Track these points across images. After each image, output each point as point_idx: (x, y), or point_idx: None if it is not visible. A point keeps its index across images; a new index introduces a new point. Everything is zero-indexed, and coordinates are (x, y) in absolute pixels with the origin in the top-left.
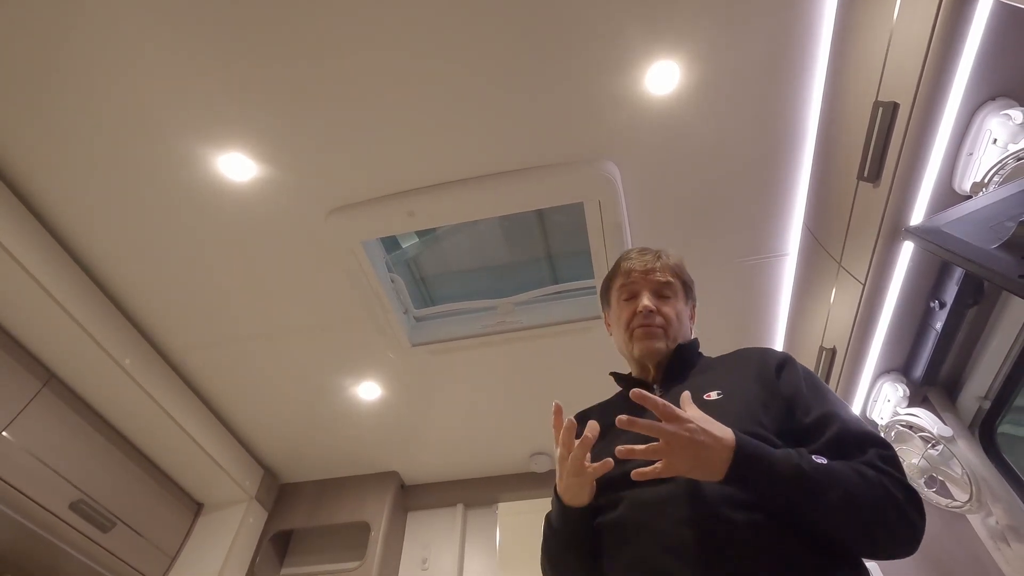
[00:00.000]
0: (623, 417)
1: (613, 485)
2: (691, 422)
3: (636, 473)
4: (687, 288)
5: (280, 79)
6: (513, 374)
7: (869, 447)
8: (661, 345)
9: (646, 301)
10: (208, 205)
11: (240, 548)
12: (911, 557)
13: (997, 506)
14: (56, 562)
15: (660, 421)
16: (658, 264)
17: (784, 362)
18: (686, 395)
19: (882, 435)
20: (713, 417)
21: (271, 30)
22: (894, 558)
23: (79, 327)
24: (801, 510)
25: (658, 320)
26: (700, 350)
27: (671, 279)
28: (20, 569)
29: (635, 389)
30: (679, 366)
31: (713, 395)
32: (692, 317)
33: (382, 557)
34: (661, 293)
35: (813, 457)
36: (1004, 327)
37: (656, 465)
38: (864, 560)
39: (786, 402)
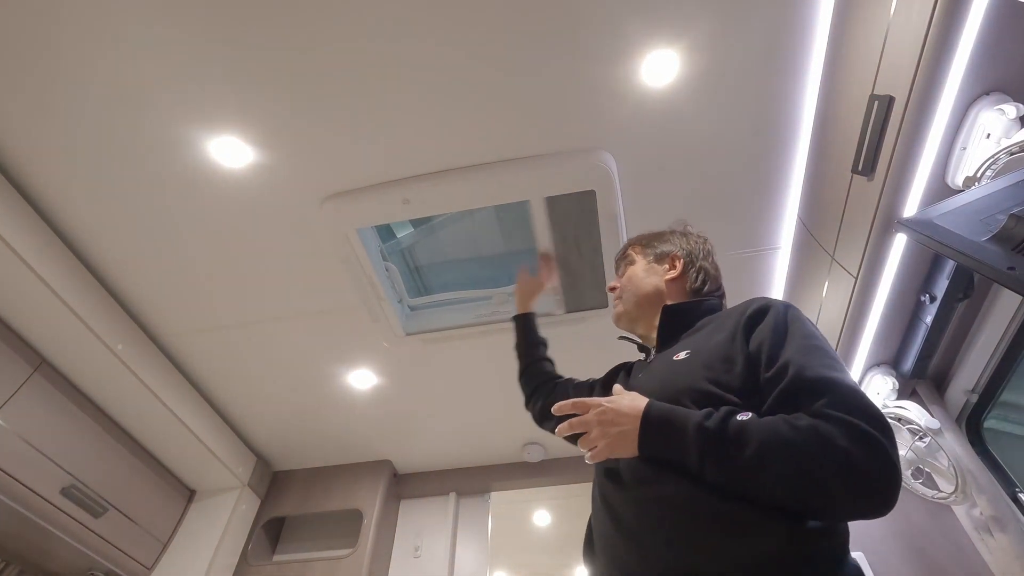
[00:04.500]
0: (560, 427)
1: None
2: (600, 406)
3: (588, 458)
4: (648, 246)
5: (275, 61)
6: (507, 364)
7: (823, 394)
8: (619, 310)
9: (610, 283)
10: (202, 190)
11: (232, 535)
12: (896, 547)
13: (981, 498)
14: (47, 547)
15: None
16: (620, 253)
17: (760, 314)
18: (617, 387)
19: (843, 379)
20: (670, 376)
21: (268, 9)
22: (859, 515)
23: (71, 312)
24: (714, 469)
25: (616, 292)
26: (717, 302)
27: (626, 252)
28: (11, 554)
29: (555, 406)
30: (671, 329)
31: (682, 355)
32: (673, 267)
33: (374, 544)
34: (620, 270)
35: (739, 415)
36: (993, 322)
37: (587, 454)
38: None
39: (752, 359)
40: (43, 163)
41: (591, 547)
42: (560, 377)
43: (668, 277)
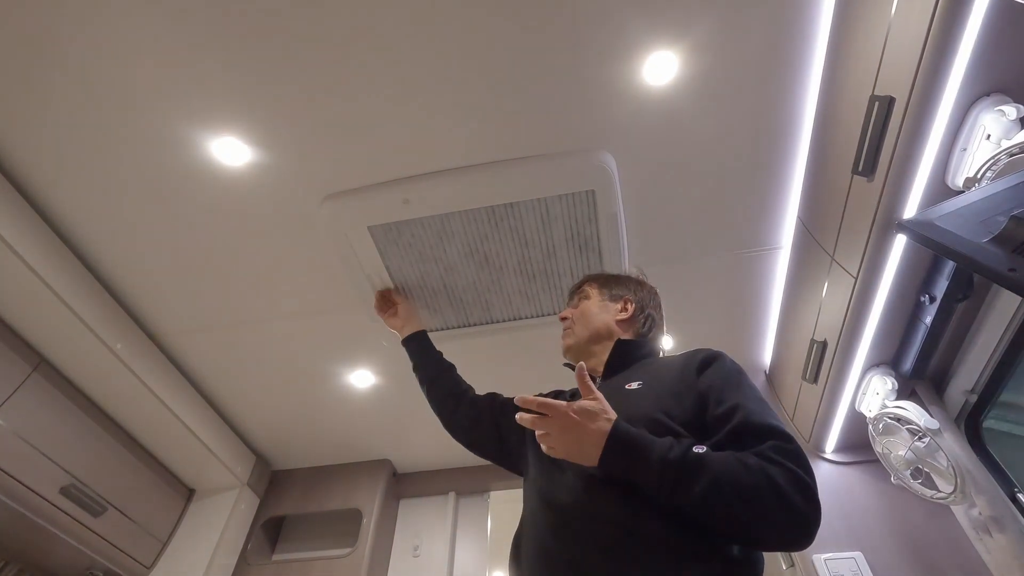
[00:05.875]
0: (522, 415)
1: (536, 452)
2: (568, 416)
3: (545, 451)
4: (604, 285)
5: (275, 60)
6: (505, 363)
7: (767, 439)
8: (570, 341)
9: (562, 312)
10: (201, 190)
11: (232, 534)
12: (895, 547)
13: (980, 498)
14: (47, 546)
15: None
16: (576, 286)
17: (711, 359)
18: (581, 368)
19: (784, 429)
20: (625, 404)
21: (268, 8)
22: (784, 548)
23: (70, 311)
24: (670, 496)
25: (567, 323)
26: (658, 348)
27: (582, 286)
28: (10, 553)
29: (519, 396)
30: (619, 360)
31: (634, 385)
32: (625, 310)
33: (373, 544)
34: (574, 302)
35: (695, 447)
36: (992, 322)
37: (544, 446)
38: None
39: (701, 396)
40: (42, 162)
41: (518, 558)
42: (471, 388)
43: (619, 318)
